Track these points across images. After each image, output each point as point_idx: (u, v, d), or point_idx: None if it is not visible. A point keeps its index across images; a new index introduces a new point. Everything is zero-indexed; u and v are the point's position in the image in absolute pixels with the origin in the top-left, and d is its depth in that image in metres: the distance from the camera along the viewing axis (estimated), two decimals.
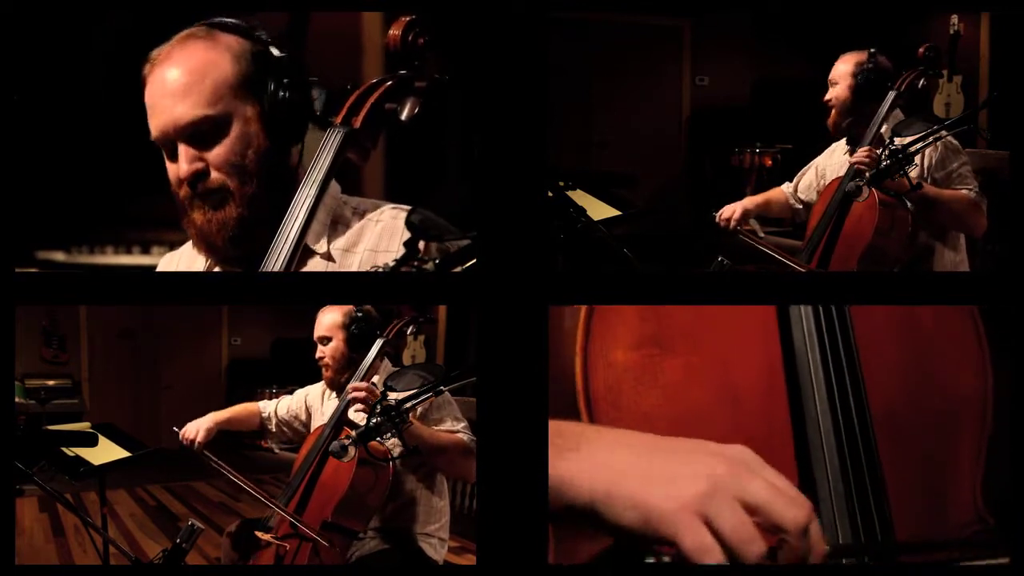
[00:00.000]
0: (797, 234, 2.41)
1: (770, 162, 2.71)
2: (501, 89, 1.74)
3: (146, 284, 1.88)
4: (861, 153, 2.19)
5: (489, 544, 1.70)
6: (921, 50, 2.27)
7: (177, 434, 2.39)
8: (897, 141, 2.12)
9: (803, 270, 2.15)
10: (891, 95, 2.24)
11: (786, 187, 2.55)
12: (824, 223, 2.20)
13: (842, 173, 2.27)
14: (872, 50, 2.26)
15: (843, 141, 2.39)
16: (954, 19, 2.51)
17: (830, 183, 2.30)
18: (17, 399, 2.74)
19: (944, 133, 2.09)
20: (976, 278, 2.23)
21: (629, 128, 2.88)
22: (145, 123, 1.66)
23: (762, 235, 2.41)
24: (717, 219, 2.42)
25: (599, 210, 2.00)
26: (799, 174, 2.53)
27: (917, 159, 2.13)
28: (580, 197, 1.96)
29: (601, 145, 2.85)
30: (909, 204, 2.17)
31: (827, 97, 2.33)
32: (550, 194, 1.92)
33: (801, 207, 2.49)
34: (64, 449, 2.47)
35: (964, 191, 2.22)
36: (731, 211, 2.42)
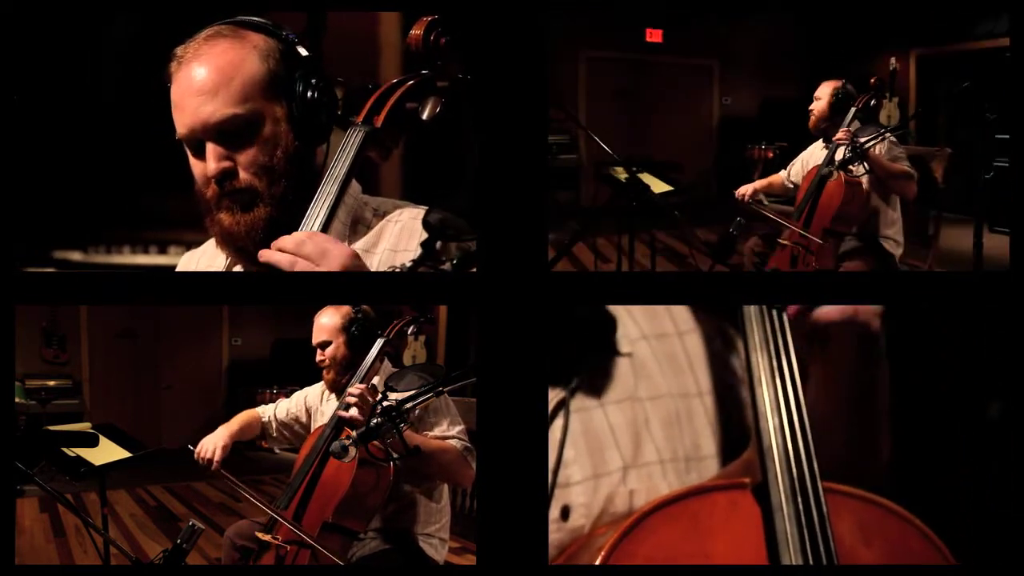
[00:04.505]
0: (790, 203, 3.42)
1: (772, 155, 3.72)
2: (502, 90, 1.74)
3: (147, 284, 1.88)
4: (841, 134, 3.15)
5: (489, 544, 1.70)
6: (872, 80, 3.31)
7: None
8: (858, 140, 3.08)
9: (795, 228, 3.12)
10: (853, 110, 3.22)
11: (782, 173, 3.44)
12: (808, 196, 3.18)
13: (819, 163, 3.20)
14: (844, 80, 3.24)
15: (820, 140, 3.28)
16: (892, 60, 3.75)
17: (810, 170, 3.25)
18: (17, 399, 2.74)
19: (888, 134, 3.09)
20: (977, 278, 2.23)
21: (678, 134, 4.26)
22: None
23: (767, 203, 3.39)
24: (736, 195, 3.37)
25: (658, 185, 3.10)
26: (790, 164, 3.42)
27: (871, 151, 3.06)
28: (645, 177, 3.01)
29: (662, 142, 4.18)
30: (865, 185, 3.11)
31: (811, 107, 3.27)
32: (625, 175, 2.96)
33: (792, 187, 3.37)
34: (65, 449, 2.47)
35: (904, 167, 3.10)
36: (744, 190, 3.37)
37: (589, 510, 1.51)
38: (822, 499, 1.39)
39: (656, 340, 1.59)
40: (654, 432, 1.54)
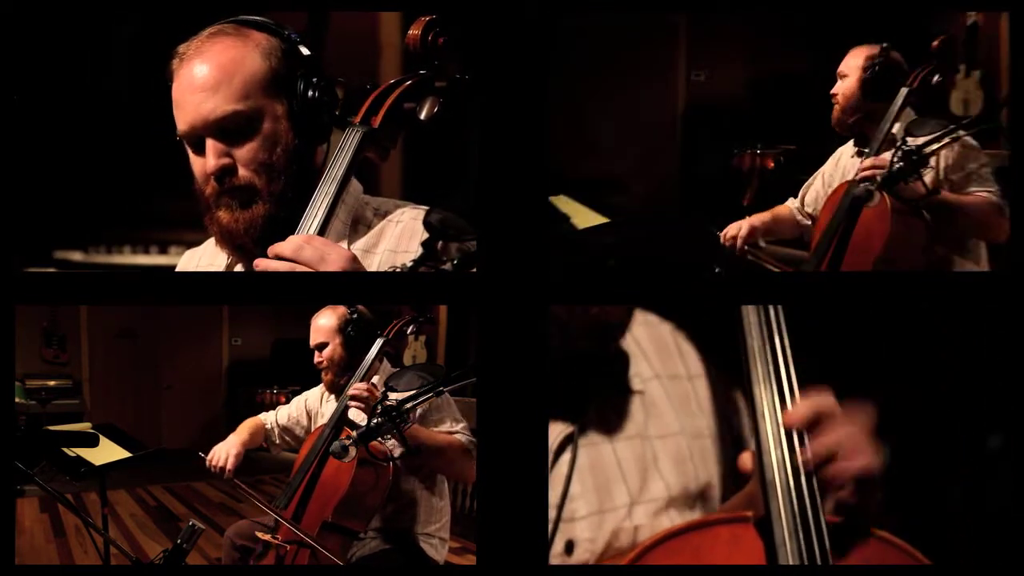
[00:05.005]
0: (802, 243, 2.30)
1: (772, 164, 2.42)
2: (502, 91, 1.74)
3: (146, 284, 1.88)
4: (867, 163, 2.02)
5: (489, 544, 1.70)
6: (935, 43, 2.09)
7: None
8: (910, 141, 1.98)
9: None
10: (903, 92, 2.07)
11: (791, 203, 2.36)
12: (831, 232, 2.03)
13: (849, 177, 2.11)
14: (885, 44, 2.10)
15: (850, 144, 2.23)
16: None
17: (836, 188, 2.13)
18: (18, 399, 2.74)
19: (961, 132, 1.95)
20: (977, 278, 2.23)
21: (622, 126, 2.68)
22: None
23: (763, 244, 2.26)
24: (722, 238, 2.25)
25: (582, 216, 1.93)
26: (804, 187, 2.34)
27: (932, 161, 2.00)
28: (562, 203, 1.96)
29: (592, 145, 2.62)
30: (925, 212, 2.01)
31: (833, 91, 2.17)
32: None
33: (810, 223, 2.28)
34: (65, 449, 2.47)
35: (984, 194, 2.05)
36: (736, 229, 2.27)
37: (593, 545, 1.50)
38: (825, 534, 1.36)
39: (669, 380, 1.58)
40: (663, 469, 1.53)
